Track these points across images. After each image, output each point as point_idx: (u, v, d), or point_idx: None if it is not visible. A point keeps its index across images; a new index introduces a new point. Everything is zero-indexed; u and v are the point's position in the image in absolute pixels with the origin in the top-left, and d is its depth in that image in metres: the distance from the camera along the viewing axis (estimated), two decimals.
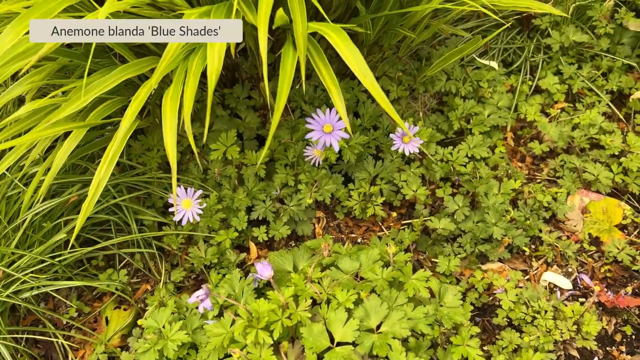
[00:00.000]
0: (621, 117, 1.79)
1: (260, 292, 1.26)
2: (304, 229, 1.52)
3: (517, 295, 1.34)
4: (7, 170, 1.39)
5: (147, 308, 1.38)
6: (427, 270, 1.21)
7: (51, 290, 1.32)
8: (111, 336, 1.35)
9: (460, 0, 1.34)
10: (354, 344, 1.08)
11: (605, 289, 1.41)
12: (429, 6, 1.33)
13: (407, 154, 1.48)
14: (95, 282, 1.36)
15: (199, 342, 1.18)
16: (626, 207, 1.55)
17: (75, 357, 1.34)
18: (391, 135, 1.49)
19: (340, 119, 1.31)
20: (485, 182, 1.53)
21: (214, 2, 1.13)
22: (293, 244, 1.54)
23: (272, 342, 1.06)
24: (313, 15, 1.37)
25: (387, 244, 1.28)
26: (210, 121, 1.58)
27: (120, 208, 1.44)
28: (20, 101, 1.48)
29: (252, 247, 1.47)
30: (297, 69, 1.69)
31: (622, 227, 1.54)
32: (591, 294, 1.41)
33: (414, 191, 1.53)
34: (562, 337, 1.26)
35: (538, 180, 1.67)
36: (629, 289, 1.39)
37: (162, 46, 1.06)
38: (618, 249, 1.45)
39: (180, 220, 1.32)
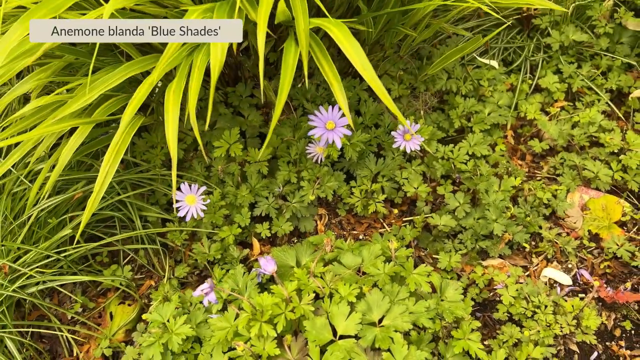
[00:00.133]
0: (620, 115, 1.80)
1: (264, 287, 1.27)
2: (306, 226, 1.53)
3: (517, 290, 1.35)
4: (12, 167, 1.41)
5: (151, 303, 1.39)
6: (429, 266, 1.23)
7: (56, 286, 1.33)
8: (116, 331, 1.36)
9: None
10: (356, 337, 1.09)
11: (605, 285, 1.43)
12: (430, 3, 1.35)
13: (408, 151, 1.49)
14: (100, 277, 1.37)
15: (203, 336, 1.20)
16: (625, 204, 1.57)
17: (80, 352, 1.35)
18: (392, 132, 1.51)
19: (342, 115, 1.32)
20: (486, 179, 1.54)
21: (217, 0, 1.14)
22: (295, 241, 1.55)
23: (275, 335, 1.07)
24: (315, 14, 1.39)
25: (388, 240, 1.29)
26: (213, 119, 1.60)
27: (125, 205, 1.45)
28: (25, 99, 1.50)
29: (255, 243, 1.48)
30: (300, 68, 1.72)
31: (621, 224, 1.55)
32: (591, 289, 1.42)
33: (415, 188, 1.55)
34: (562, 331, 1.28)
35: (538, 178, 1.68)
36: (628, 285, 1.40)
37: (167, 44, 1.07)
38: (617, 245, 1.46)
39: (184, 216, 1.33)
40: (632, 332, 1.38)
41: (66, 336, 1.35)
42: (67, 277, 1.31)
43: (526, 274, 1.47)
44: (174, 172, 1.05)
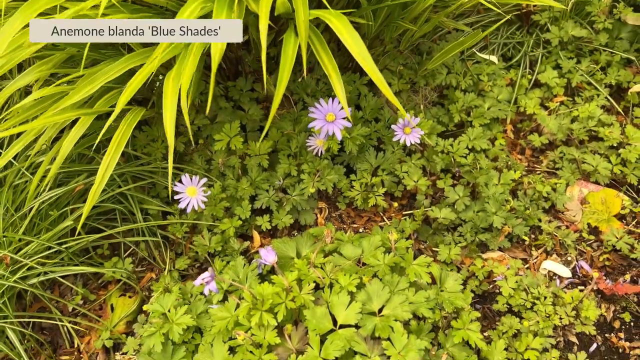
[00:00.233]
0: (620, 110, 1.81)
1: (264, 278, 1.28)
2: (306, 219, 1.54)
3: (517, 282, 1.36)
4: (14, 159, 1.41)
5: (152, 295, 1.40)
6: (428, 257, 1.23)
7: (58, 277, 1.33)
8: (116, 323, 1.37)
9: None
10: (356, 326, 1.09)
11: (604, 277, 1.43)
12: None
13: (408, 144, 1.50)
14: (101, 269, 1.38)
15: (203, 326, 1.20)
16: (625, 198, 1.57)
17: (81, 343, 1.35)
18: (392, 126, 1.51)
19: (342, 108, 1.33)
20: (486, 172, 1.55)
21: None
22: (296, 234, 1.55)
23: (276, 324, 1.08)
24: (316, 6, 1.39)
25: (389, 232, 1.29)
26: (214, 113, 1.60)
27: (126, 197, 1.46)
28: (27, 93, 1.50)
29: (256, 235, 1.49)
30: (300, 63, 1.72)
31: (620, 217, 1.56)
32: (590, 281, 1.43)
33: (415, 182, 1.55)
34: (561, 322, 1.28)
35: (537, 172, 1.69)
36: (628, 277, 1.41)
37: None
38: (617, 237, 1.47)
39: (185, 209, 1.34)
40: (632, 324, 1.39)
41: (67, 328, 1.36)
42: (68, 267, 1.32)
43: (526, 266, 1.47)
44: (170, 157, 1.05)
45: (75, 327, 1.38)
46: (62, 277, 1.34)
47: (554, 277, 1.45)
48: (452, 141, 1.61)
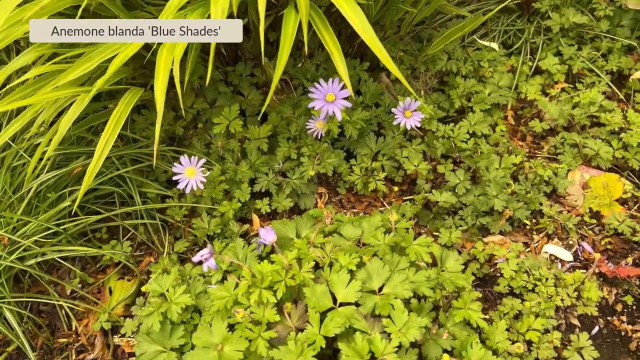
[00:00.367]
0: (621, 96, 1.80)
1: (263, 259, 1.27)
2: (306, 203, 1.53)
3: (518, 264, 1.35)
4: (12, 141, 1.41)
5: (150, 279, 1.39)
6: (429, 237, 1.22)
7: (57, 257, 1.32)
8: (115, 305, 1.36)
9: None
10: (356, 304, 1.08)
11: (606, 261, 1.42)
12: None
13: (408, 128, 1.49)
14: (100, 251, 1.37)
15: (202, 306, 1.19)
16: (626, 182, 1.56)
17: (79, 326, 1.34)
18: (393, 109, 1.50)
19: (342, 88, 1.32)
20: (487, 157, 1.54)
21: None
22: (295, 217, 1.54)
23: (275, 302, 1.07)
24: None
25: (389, 214, 1.28)
26: (213, 97, 1.59)
27: (125, 181, 1.45)
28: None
29: (255, 218, 1.48)
30: (299, 48, 1.71)
31: (622, 202, 1.55)
32: (591, 265, 1.42)
33: (415, 166, 1.54)
34: (563, 303, 1.27)
35: (539, 158, 1.68)
36: (630, 260, 1.39)
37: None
38: (619, 221, 1.46)
39: (184, 193, 1.33)
40: (634, 307, 1.38)
41: (65, 310, 1.35)
42: (66, 246, 1.31)
43: (527, 250, 1.46)
44: (158, 125, 1.04)
45: (74, 309, 1.37)
46: (61, 258, 1.33)
47: (555, 261, 1.44)
48: (452, 126, 1.60)
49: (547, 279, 1.30)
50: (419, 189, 1.56)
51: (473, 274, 1.39)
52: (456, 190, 1.50)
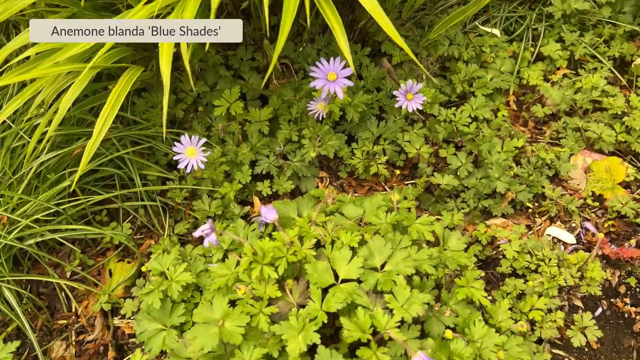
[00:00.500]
0: (624, 82, 1.79)
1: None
2: (307, 186, 1.52)
3: (520, 245, 1.34)
4: (12, 122, 1.40)
5: (151, 259, 1.38)
6: (431, 216, 1.21)
7: (57, 237, 1.31)
8: (115, 287, 1.35)
9: None
10: (358, 281, 1.07)
11: (609, 243, 1.41)
12: None
13: (410, 110, 1.48)
14: (101, 230, 1.36)
15: (203, 285, 1.18)
16: (629, 166, 1.55)
17: (79, 307, 1.33)
18: (394, 92, 1.50)
19: (344, 67, 1.31)
20: (489, 140, 1.53)
21: None
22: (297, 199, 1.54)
23: (277, 277, 1.06)
24: None
25: (391, 194, 1.28)
26: (213, 81, 1.59)
27: (125, 163, 1.44)
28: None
29: (256, 201, 1.47)
30: (300, 33, 1.71)
31: (625, 185, 1.54)
32: (595, 247, 1.41)
33: (417, 149, 1.54)
34: (566, 283, 1.26)
35: (541, 143, 1.67)
36: (633, 242, 1.39)
37: None
38: (622, 203, 1.45)
39: (185, 177, 1.32)
40: (637, 289, 1.37)
41: (65, 292, 1.34)
42: (66, 226, 1.30)
43: (529, 232, 1.45)
44: (165, 99, 1.03)
45: (73, 291, 1.36)
46: (62, 238, 1.32)
47: (558, 244, 1.43)
48: (454, 110, 1.59)
49: (550, 260, 1.29)
50: (421, 173, 1.56)
51: (475, 256, 1.39)
52: (458, 173, 1.50)
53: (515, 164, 1.54)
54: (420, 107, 1.48)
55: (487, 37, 1.82)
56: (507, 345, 1.10)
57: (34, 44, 1.36)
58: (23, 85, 1.38)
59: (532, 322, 1.24)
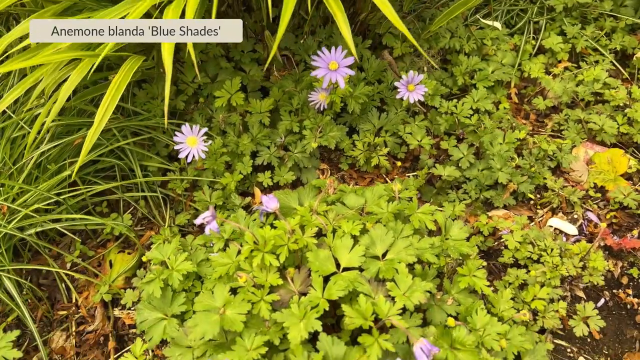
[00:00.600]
0: (626, 75, 1.78)
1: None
2: (308, 177, 1.52)
3: (522, 236, 1.33)
4: (12, 113, 1.40)
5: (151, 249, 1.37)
6: (433, 205, 1.21)
7: (59, 227, 1.31)
8: (115, 278, 1.34)
9: None
10: (360, 269, 1.07)
11: (611, 234, 1.41)
12: None
13: (411, 101, 1.48)
14: (102, 219, 1.35)
15: (204, 274, 1.18)
16: (631, 158, 1.55)
17: (79, 298, 1.33)
18: (396, 83, 1.49)
19: (345, 56, 1.31)
20: (490, 131, 1.53)
21: None
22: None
23: (278, 265, 1.05)
24: None
25: (393, 184, 1.27)
26: (214, 72, 1.58)
27: (126, 154, 1.44)
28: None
29: (257, 192, 1.47)
30: (301, 26, 1.70)
31: (627, 177, 1.53)
32: (596, 238, 1.40)
33: (418, 141, 1.53)
34: (568, 272, 1.25)
35: (542, 135, 1.66)
36: (635, 232, 1.38)
37: None
38: (624, 194, 1.44)
39: (185, 167, 1.32)
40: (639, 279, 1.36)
41: (65, 283, 1.34)
42: (66, 215, 1.29)
43: (531, 224, 1.45)
44: (167, 87, 1.03)
45: (74, 282, 1.35)
46: (62, 228, 1.32)
47: (560, 235, 1.42)
48: (456, 102, 1.59)
49: (552, 250, 1.29)
50: (422, 164, 1.55)
51: (477, 246, 1.38)
52: (460, 165, 1.49)
53: (517, 155, 1.53)
54: (422, 99, 1.48)
55: (489, 30, 1.82)
56: (509, 334, 1.10)
57: None
58: (23, 75, 1.37)
59: (534, 312, 1.24)
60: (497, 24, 1.86)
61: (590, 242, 1.41)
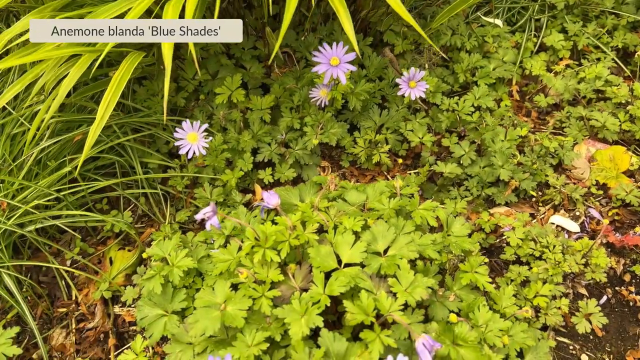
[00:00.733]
0: (628, 73, 1.78)
1: None
2: (309, 174, 1.51)
3: (524, 233, 1.33)
4: (12, 109, 1.39)
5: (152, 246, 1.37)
6: (435, 202, 1.20)
7: (59, 223, 1.30)
8: (115, 275, 1.34)
9: None
10: (361, 265, 1.06)
11: (613, 231, 1.40)
12: None
13: (413, 98, 1.47)
14: (102, 216, 1.34)
15: (204, 271, 1.17)
16: (633, 155, 1.54)
17: (79, 295, 1.32)
18: (397, 80, 1.49)
19: (347, 52, 1.30)
20: (492, 129, 1.52)
21: None
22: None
23: (279, 261, 1.05)
24: None
25: (394, 181, 1.27)
26: (215, 69, 1.58)
27: (126, 150, 1.43)
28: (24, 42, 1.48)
29: (258, 189, 1.46)
30: (302, 23, 1.70)
31: (629, 175, 1.53)
32: (598, 235, 1.40)
33: (419, 138, 1.53)
34: (570, 269, 1.25)
35: (544, 132, 1.66)
36: (638, 229, 1.38)
37: None
38: (626, 192, 1.44)
39: (185, 164, 1.31)
40: None
41: (65, 280, 1.33)
42: (66, 212, 1.29)
43: (533, 221, 1.44)
44: (166, 83, 1.02)
45: (74, 279, 1.35)
46: (62, 224, 1.31)
47: (562, 232, 1.42)
48: (457, 99, 1.58)
49: (554, 246, 1.28)
50: (424, 161, 1.55)
51: (479, 244, 1.37)
52: (461, 162, 1.49)
53: (519, 152, 1.53)
54: (423, 95, 1.47)
55: (490, 27, 1.81)
56: (511, 331, 1.09)
57: None
58: (23, 72, 1.36)
59: (536, 309, 1.23)
60: (499, 22, 1.85)
61: (592, 239, 1.41)
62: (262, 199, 1.14)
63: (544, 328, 1.24)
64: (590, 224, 1.43)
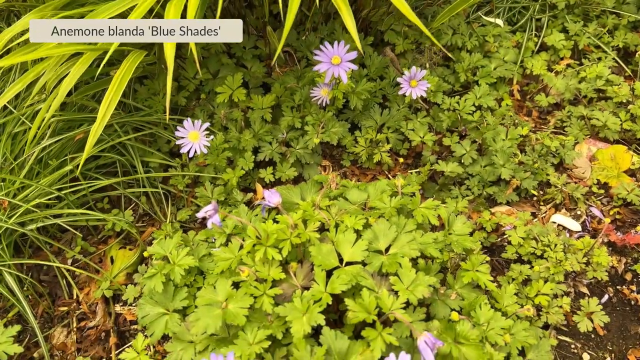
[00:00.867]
0: (629, 72, 1.78)
1: None
2: (310, 174, 1.51)
3: (526, 231, 1.33)
4: (14, 108, 1.39)
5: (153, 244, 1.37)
6: (436, 200, 1.20)
7: (60, 222, 1.30)
8: (116, 274, 1.34)
9: None
10: (363, 263, 1.06)
11: (615, 230, 1.40)
12: None
13: (414, 97, 1.47)
14: (103, 215, 1.34)
15: (206, 269, 1.17)
16: (634, 154, 1.54)
17: (80, 294, 1.32)
18: (398, 79, 1.49)
19: (348, 50, 1.30)
20: (493, 128, 1.52)
21: None
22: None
23: (280, 259, 1.05)
24: None
25: (396, 180, 1.26)
26: (216, 69, 1.58)
27: (127, 149, 1.43)
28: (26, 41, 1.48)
29: (259, 188, 1.46)
30: (303, 23, 1.70)
31: (631, 174, 1.53)
32: (600, 234, 1.40)
33: (420, 137, 1.53)
34: (572, 268, 1.25)
35: (545, 131, 1.66)
36: (639, 228, 1.37)
37: None
38: (627, 190, 1.44)
39: (186, 164, 1.31)
40: None
41: (66, 279, 1.33)
42: (67, 210, 1.29)
43: (534, 220, 1.44)
44: (169, 80, 1.02)
45: (75, 278, 1.35)
46: (63, 224, 1.31)
47: (563, 231, 1.42)
48: (458, 99, 1.59)
49: (555, 245, 1.28)
50: (425, 161, 1.55)
51: (480, 242, 1.37)
52: (462, 161, 1.49)
53: (520, 152, 1.53)
54: (424, 94, 1.47)
55: (491, 27, 1.82)
56: (513, 329, 1.09)
57: None
58: (25, 70, 1.37)
59: (538, 308, 1.23)
60: (499, 21, 1.85)
61: (593, 238, 1.40)
62: (263, 197, 1.13)
63: (546, 327, 1.24)
64: (592, 223, 1.43)
